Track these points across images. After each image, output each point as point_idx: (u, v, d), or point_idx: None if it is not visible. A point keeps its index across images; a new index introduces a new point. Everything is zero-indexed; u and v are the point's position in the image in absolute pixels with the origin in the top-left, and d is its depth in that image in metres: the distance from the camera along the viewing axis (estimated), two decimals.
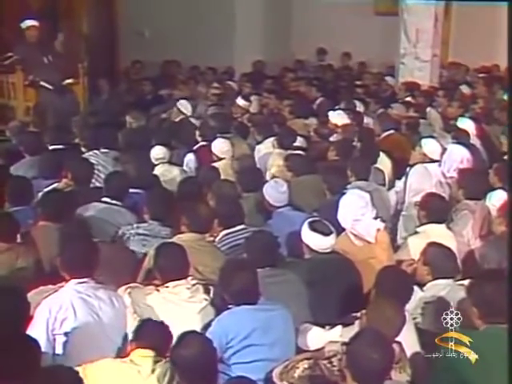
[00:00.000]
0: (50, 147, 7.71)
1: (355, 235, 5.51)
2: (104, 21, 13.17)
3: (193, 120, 9.24)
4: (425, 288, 4.82)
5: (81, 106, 10.50)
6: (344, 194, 5.86)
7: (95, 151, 7.53)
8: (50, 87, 9.96)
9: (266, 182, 6.55)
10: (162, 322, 4.05)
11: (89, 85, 10.88)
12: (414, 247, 5.40)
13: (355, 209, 5.55)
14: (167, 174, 7.17)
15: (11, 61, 10.23)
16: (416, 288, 4.65)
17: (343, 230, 5.56)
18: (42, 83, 9.98)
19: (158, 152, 7.44)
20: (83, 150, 7.77)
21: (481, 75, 12.94)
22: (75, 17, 12.14)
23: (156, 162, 7.36)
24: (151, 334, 3.93)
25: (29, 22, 10.29)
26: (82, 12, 12.19)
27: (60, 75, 10.15)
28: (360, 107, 9.82)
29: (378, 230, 5.53)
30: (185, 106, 9.62)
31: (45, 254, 5.06)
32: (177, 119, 9.43)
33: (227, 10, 13.60)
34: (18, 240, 5.14)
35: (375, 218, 5.61)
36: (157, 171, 7.18)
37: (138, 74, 12.97)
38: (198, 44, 13.21)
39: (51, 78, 10.01)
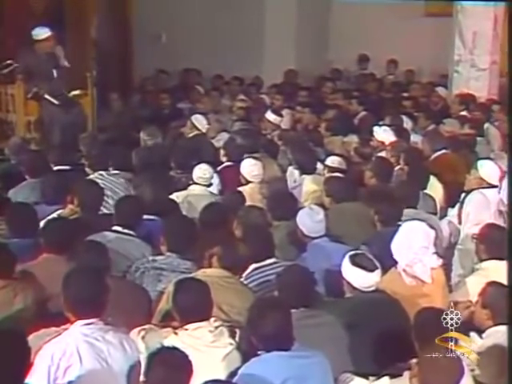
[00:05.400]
0: (54, 168, 7.78)
1: (407, 273, 5.46)
2: (116, 24, 13.29)
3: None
4: (484, 335, 4.77)
5: (89, 120, 10.57)
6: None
7: (103, 172, 7.55)
8: (55, 101, 10.01)
9: (300, 208, 6.52)
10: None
11: (98, 97, 10.96)
12: (473, 287, 5.37)
13: (418, 248, 5.49)
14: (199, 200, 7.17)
15: (11, 69, 10.31)
16: (474, 335, 4.60)
17: (391, 265, 5.52)
18: (46, 96, 10.04)
19: (204, 172, 7.43)
20: (90, 170, 7.79)
21: None
22: (83, 20, 12.25)
23: (197, 181, 7.38)
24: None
25: (42, 34, 10.17)
26: (90, 15, 12.30)
27: (66, 86, 10.23)
28: (407, 123, 9.79)
29: (433, 268, 5.49)
30: (200, 122, 9.66)
31: (47, 291, 5.06)
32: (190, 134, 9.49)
33: (255, 11, 13.64)
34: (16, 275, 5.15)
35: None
36: (192, 191, 7.24)
37: (153, 85, 13.06)
38: (222, 50, 13.26)
39: (56, 88, 10.07)
